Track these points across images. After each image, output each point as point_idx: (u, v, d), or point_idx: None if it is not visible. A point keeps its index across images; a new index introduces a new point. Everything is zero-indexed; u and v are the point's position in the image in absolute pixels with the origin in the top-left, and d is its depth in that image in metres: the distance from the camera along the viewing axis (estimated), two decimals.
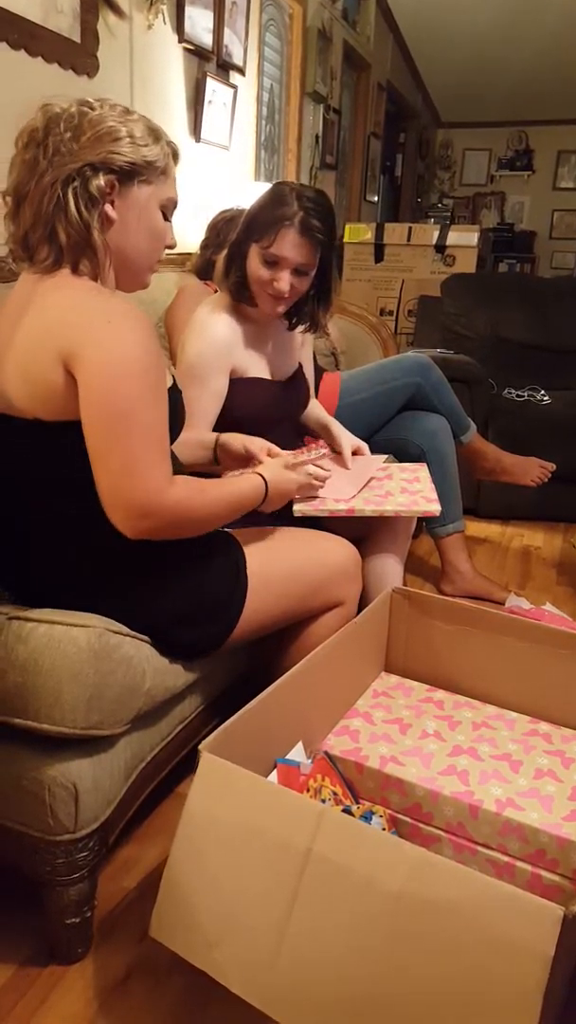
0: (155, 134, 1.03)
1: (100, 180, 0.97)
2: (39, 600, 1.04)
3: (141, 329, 0.97)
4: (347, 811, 1.06)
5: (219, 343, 1.52)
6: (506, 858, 1.06)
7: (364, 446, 1.71)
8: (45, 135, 0.97)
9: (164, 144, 1.04)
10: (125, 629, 1.03)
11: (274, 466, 1.27)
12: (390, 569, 1.65)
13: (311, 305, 1.57)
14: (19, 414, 0.99)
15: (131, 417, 0.94)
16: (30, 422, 0.99)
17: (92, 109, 0.99)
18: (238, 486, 1.17)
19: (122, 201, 1.01)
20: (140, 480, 0.95)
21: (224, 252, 1.56)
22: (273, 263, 1.44)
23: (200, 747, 0.92)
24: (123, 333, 0.95)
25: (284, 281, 1.44)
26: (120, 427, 0.94)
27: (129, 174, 1.00)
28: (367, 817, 1.09)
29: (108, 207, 1.00)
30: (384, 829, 1.09)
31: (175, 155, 1.08)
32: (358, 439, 1.72)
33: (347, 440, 1.70)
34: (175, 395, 1.12)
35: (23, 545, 1.10)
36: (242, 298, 1.52)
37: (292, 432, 1.76)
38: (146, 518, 0.97)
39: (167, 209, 1.08)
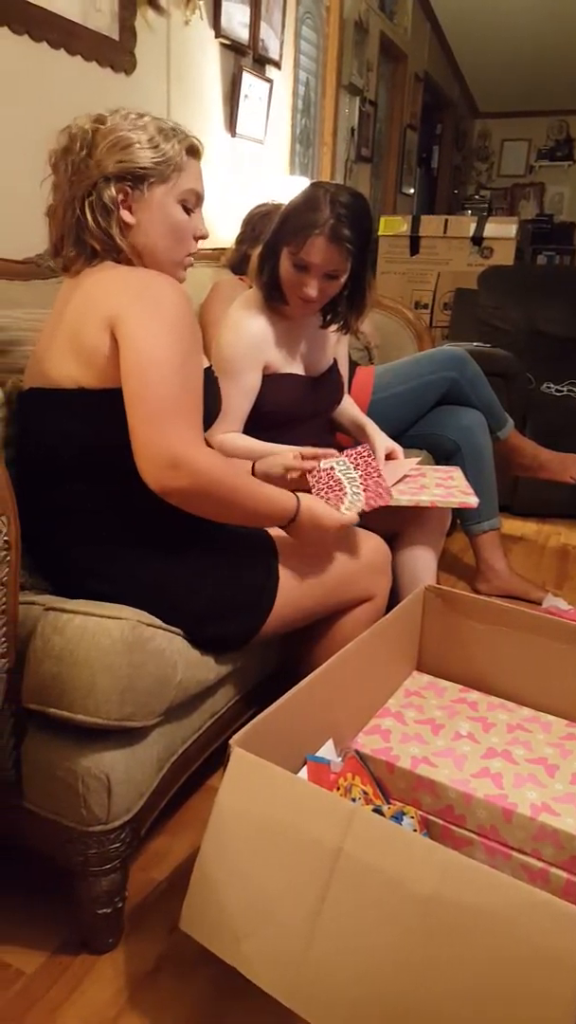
0: (166, 133, 1.08)
1: (111, 190, 1.05)
2: (75, 591, 1.05)
3: (178, 296, 1.04)
4: (378, 811, 1.06)
5: (253, 339, 1.52)
6: (540, 864, 1.04)
7: (399, 449, 1.69)
8: (64, 155, 1.06)
9: (178, 141, 1.08)
10: (158, 621, 1.03)
11: (314, 499, 1.20)
12: (423, 565, 1.64)
13: (344, 306, 1.57)
14: (63, 385, 1.05)
15: (164, 367, 0.97)
16: (74, 391, 1.04)
17: (103, 123, 1.06)
18: (272, 491, 1.13)
19: (138, 204, 1.07)
20: (171, 429, 0.96)
21: (259, 247, 1.56)
22: (303, 268, 1.43)
23: (231, 742, 0.92)
24: (161, 298, 1.02)
25: (312, 286, 1.44)
26: (154, 375, 0.97)
27: (140, 179, 1.06)
28: (398, 818, 1.08)
29: (125, 213, 1.07)
30: (415, 830, 1.08)
31: (193, 150, 1.11)
32: (393, 442, 1.71)
33: (381, 443, 1.68)
34: (209, 377, 1.15)
35: (58, 531, 1.11)
36: (274, 298, 1.52)
37: (324, 428, 1.75)
38: (173, 469, 0.96)
39: (188, 202, 1.11)
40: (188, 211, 1.12)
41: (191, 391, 1.01)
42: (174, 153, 1.07)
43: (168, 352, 0.98)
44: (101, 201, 1.05)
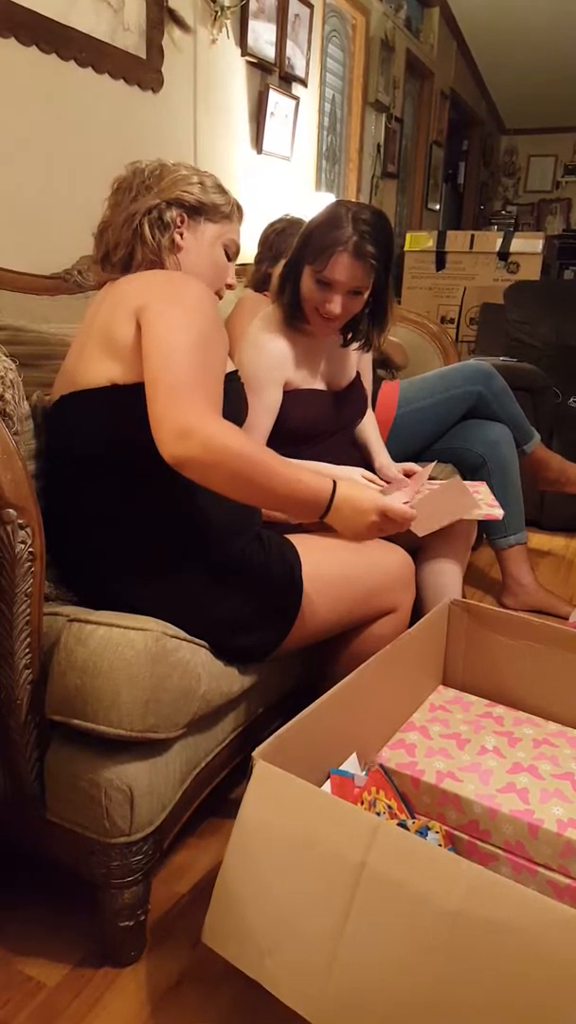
0: (221, 189, 1.22)
1: (172, 212, 1.17)
2: (100, 602, 1.06)
3: (202, 290, 1.09)
4: (402, 825, 1.04)
5: (272, 358, 1.52)
6: (567, 880, 1.02)
7: (413, 467, 1.73)
8: (130, 182, 1.18)
9: (230, 197, 1.23)
10: (182, 633, 1.03)
11: (352, 484, 1.11)
12: (448, 579, 1.62)
13: (365, 324, 1.57)
14: (96, 385, 1.08)
15: (183, 348, 1.00)
16: (106, 388, 1.07)
17: (170, 163, 1.20)
18: (305, 473, 1.04)
19: (190, 233, 1.19)
20: (186, 402, 0.96)
21: (278, 265, 1.57)
22: (326, 285, 1.44)
23: (254, 754, 0.91)
24: (184, 289, 1.08)
25: (336, 303, 1.44)
26: (173, 355, 0.99)
27: (197, 211, 1.19)
28: (422, 832, 1.07)
29: (177, 236, 1.18)
30: (440, 845, 1.07)
31: (239, 210, 1.26)
32: (406, 464, 1.74)
33: (387, 470, 1.72)
34: (235, 382, 1.20)
35: (84, 542, 1.12)
36: (295, 317, 1.52)
37: (348, 443, 1.75)
38: (185, 439, 0.94)
39: (229, 250, 1.24)
40: (228, 257, 1.24)
41: (209, 374, 1.02)
42: (226, 204, 1.21)
43: (187, 336, 1.01)
44: (161, 220, 1.16)
